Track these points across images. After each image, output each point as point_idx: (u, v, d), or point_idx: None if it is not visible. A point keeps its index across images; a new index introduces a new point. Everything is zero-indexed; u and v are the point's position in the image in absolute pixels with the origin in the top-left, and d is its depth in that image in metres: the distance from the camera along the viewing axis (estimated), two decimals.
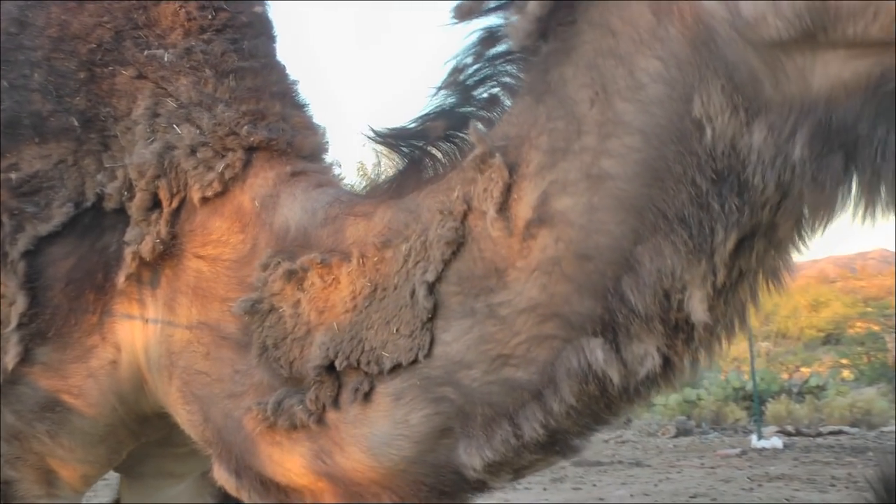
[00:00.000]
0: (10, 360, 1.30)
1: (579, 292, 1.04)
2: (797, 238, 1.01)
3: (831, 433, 9.89)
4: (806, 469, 7.27)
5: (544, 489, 6.77)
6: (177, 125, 1.30)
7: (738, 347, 12.72)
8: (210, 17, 1.37)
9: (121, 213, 1.31)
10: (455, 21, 1.13)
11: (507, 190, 1.06)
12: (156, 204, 1.28)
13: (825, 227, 1.00)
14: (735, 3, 0.92)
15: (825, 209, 0.97)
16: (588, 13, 1.04)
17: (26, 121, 1.33)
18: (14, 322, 1.30)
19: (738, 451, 8.66)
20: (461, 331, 1.11)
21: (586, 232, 1.04)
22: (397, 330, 1.14)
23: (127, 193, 1.30)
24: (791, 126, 0.93)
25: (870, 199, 0.94)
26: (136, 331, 1.33)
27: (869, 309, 17.04)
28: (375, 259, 1.16)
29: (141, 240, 1.28)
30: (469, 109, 1.17)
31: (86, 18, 1.37)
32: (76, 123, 1.33)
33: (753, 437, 9.33)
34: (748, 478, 6.90)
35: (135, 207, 1.29)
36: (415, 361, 1.13)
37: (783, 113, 0.93)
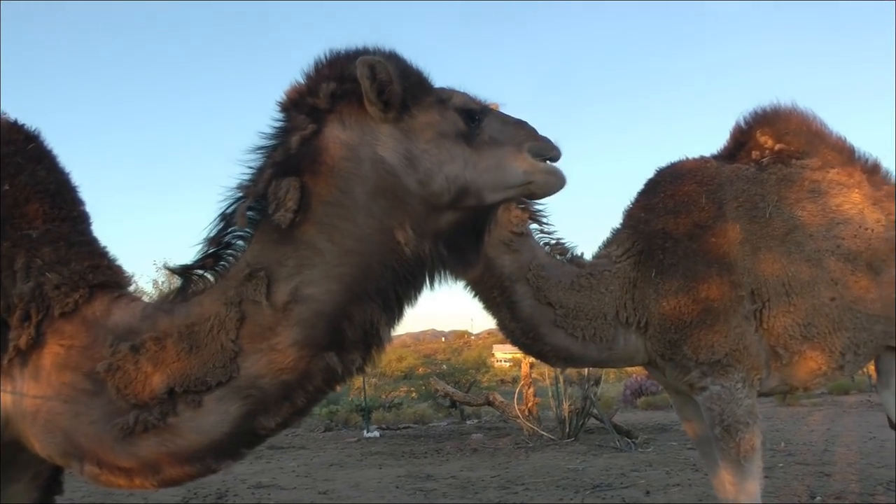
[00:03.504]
0: None
1: (321, 332, 1.53)
2: (429, 286, 1.63)
3: (404, 427, 12.67)
4: (390, 448, 9.59)
5: (251, 462, 8.05)
6: (47, 272, 1.65)
7: (359, 381, 14.08)
8: (58, 212, 1.77)
9: (2, 324, 1.65)
10: (235, 229, 1.63)
11: (269, 288, 1.52)
12: (28, 317, 1.62)
13: (445, 283, 1.66)
14: (428, 184, 1.56)
15: (450, 275, 1.65)
16: (319, 197, 1.55)
17: None
18: None
19: (356, 438, 10.87)
20: (256, 359, 1.55)
21: (324, 303, 1.53)
22: (213, 365, 1.54)
23: (7, 313, 1.63)
24: (435, 240, 1.59)
25: (455, 273, 1.66)
26: (8, 397, 1.65)
27: (425, 362, 22.99)
28: (187, 332, 1.57)
29: (18, 337, 1.62)
30: (229, 252, 1.65)
31: None
32: None
33: (364, 431, 11.65)
34: (360, 453, 9.20)
35: (15, 319, 1.63)
36: (230, 379, 1.55)
37: (432, 234, 1.59)
